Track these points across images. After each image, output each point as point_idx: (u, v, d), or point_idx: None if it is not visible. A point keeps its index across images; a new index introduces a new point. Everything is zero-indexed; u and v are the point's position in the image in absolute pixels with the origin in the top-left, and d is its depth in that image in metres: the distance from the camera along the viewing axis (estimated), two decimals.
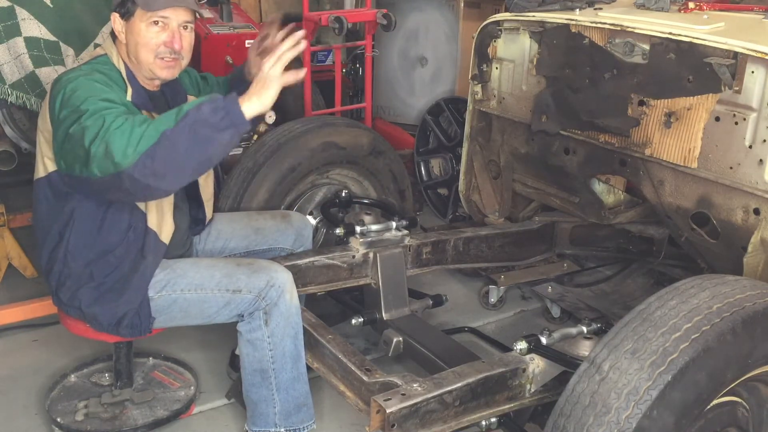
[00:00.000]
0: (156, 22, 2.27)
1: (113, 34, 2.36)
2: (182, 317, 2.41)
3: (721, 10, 2.97)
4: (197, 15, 2.39)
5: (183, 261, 2.46)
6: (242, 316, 2.39)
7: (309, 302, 2.76)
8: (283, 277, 2.39)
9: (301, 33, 2.21)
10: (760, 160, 2.37)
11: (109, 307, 2.31)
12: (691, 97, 2.53)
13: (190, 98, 2.59)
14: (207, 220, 2.70)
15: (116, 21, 2.31)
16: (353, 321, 2.78)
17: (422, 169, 4.61)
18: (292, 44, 2.13)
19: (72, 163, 2.10)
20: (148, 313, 2.34)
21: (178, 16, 2.29)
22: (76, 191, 2.24)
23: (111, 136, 1.95)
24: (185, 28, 2.33)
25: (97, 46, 3.26)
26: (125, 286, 2.29)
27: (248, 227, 2.80)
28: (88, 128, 2.01)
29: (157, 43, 2.28)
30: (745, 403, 1.95)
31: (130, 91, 2.29)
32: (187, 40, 2.34)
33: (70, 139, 2.07)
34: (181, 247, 2.60)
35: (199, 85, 2.72)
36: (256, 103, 2.05)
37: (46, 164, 2.29)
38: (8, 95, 3.07)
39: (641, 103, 2.69)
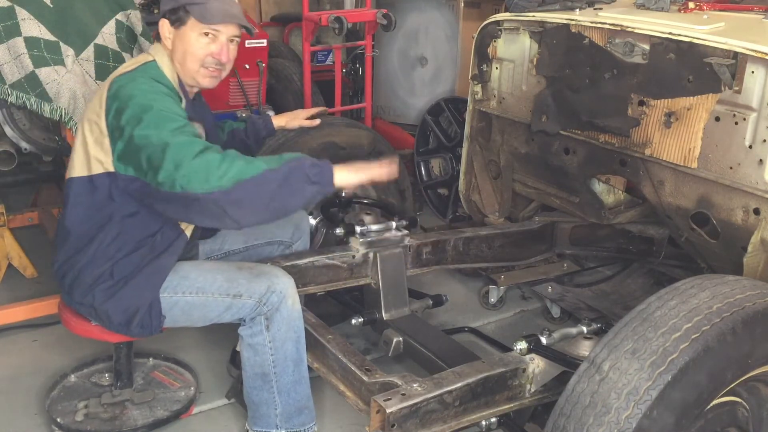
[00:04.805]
0: (207, 34, 2.36)
1: (158, 38, 2.40)
2: (185, 319, 2.42)
3: (721, 10, 2.97)
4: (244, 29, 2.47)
5: (187, 263, 2.45)
6: (244, 320, 2.39)
7: (309, 302, 2.76)
8: (284, 283, 2.38)
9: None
10: (760, 160, 2.37)
11: (121, 303, 2.30)
12: (691, 97, 2.52)
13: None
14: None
15: (164, 27, 2.37)
16: (353, 321, 2.78)
17: (422, 169, 4.60)
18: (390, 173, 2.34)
19: (145, 171, 2.13)
20: (159, 312, 2.35)
21: (228, 30, 2.40)
22: (125, 196, 2.25)
23: (223, 163, 2.05)
24: (232, 41, 2.42)
25: (97, 46, 3.26)
26: (140, 282, 2.31)
27: None
28: (179, 146, 2.07)
29: (206, 54, 2.37)
30: (745, 403, 1.95)
31: (183, 102, 2.35)
32: (232, 53, 2.45)
33: (147, 148, 2.11)
34: (190, 251, 2.60)
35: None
36: (346, 175, 2.20)
37: (91, 165, 2.28)
38: (8, 95, 3.06)
39: (641, 103, 2.69)
